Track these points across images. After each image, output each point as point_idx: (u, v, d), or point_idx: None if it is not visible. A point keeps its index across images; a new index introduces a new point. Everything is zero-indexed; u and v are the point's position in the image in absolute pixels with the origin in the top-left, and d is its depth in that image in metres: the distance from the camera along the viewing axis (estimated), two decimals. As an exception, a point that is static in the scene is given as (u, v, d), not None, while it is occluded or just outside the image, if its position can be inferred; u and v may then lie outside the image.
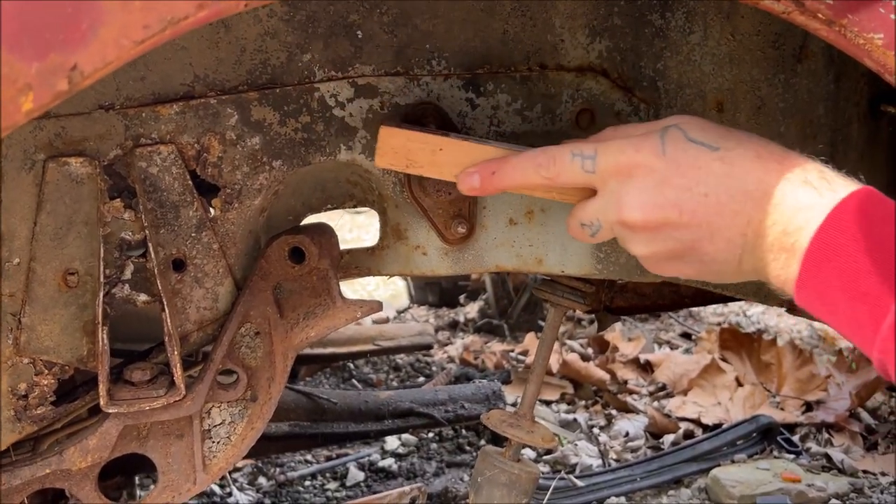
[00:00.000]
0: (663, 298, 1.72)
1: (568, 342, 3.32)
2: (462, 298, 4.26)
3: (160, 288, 1.07)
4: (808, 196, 0.86)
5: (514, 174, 1.03)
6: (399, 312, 4.13)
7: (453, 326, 4.00)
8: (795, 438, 2.49)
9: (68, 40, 0.62)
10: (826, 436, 2.51)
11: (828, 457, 2.37)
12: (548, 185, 1.02)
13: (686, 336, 3.53)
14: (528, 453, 2.36)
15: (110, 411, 1.05)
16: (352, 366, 3.19)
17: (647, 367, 3.07)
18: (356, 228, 5.36)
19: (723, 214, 0.89)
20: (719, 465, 2.30)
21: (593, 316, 1.80)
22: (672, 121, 0.97)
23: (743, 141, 0.93)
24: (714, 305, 3.50)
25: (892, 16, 0.84)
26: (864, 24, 0.84)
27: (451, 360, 3.44)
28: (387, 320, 4.15)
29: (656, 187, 0.92)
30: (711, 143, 0.92)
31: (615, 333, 3.25)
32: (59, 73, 0.63)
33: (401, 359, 3.30)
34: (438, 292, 4.29)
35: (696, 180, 0.90)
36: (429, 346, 3.01)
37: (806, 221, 0.84)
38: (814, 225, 0.83)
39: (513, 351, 3.42)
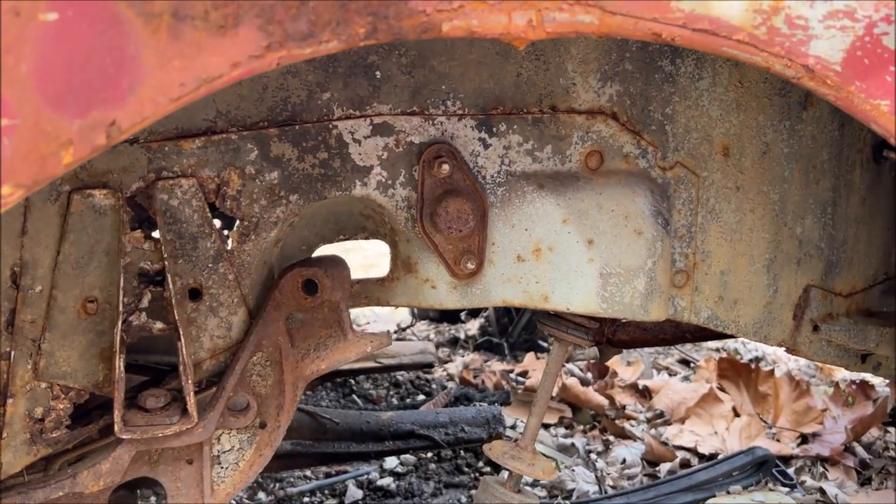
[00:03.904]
0: (664, 332, 1.74)
1: (568, 366, 3.34)
2: (463, 315, 4.29)
3: (176, 317, 1.10)
4: None
5: None
6: (401, 329, 4.15)
7: (454, 343, 4.02)
8: (791, 471, 2.51)
9: (109, 98, 0.65)
10: (821, 469, 2.53)
11: (822, 491, 2.39)
12: None
13: (685, 363, 3.55)
14: (527, 477, 2.38)
15: (124, 437, 1.08)
16: (353, 381, 3.21)
17: (645, 393, 3.09)
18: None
19: None
20: (714, 496, 2.32)
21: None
22: None
23: None
24: (713, 332, 3.50)
25: (898, 83, 0.87)
26: (872, 91, 0.87)
27: (450, 378, 3.46)
28: (387, 334, 4.16)
29: None
30: None
31: (615, 358, 3.27)
32: (99, 128, 0.65)
33: (401, 376, 3.31)
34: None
35: None
36: (430, 365, 3.04)
37: None
38: None
39: (512, 371, 3.44)
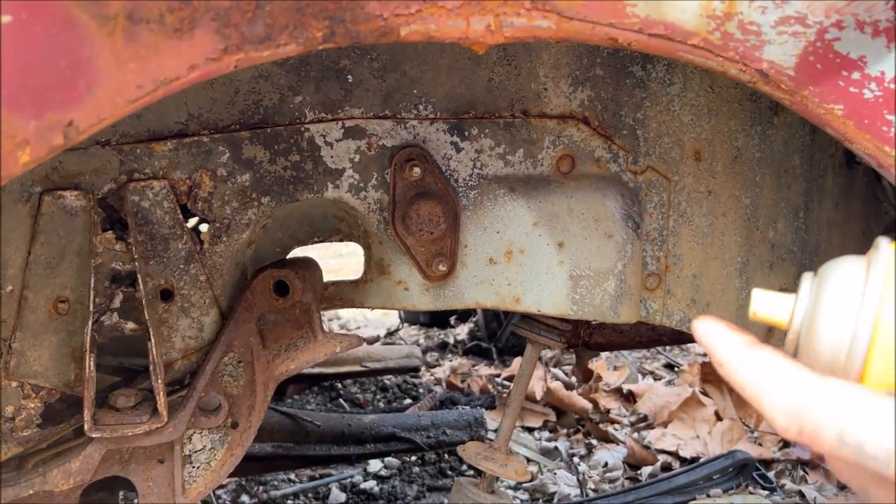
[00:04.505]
0: (640, 335, 1.76)
1: (553, 370, 3.35)
2: (452, 320, 4.30)
3: (147, 317, 1.11)
4: None
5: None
6: (390, 333, 4.16)
7: (443, 347, 4.03)
8: (771, 475, 2.52)
9: (66, 99, 0.66)
10: (801, 473, 2.54)
11: (801, 494, 2.40)
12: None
13: (670, 367, 3.56)
14: (508, 481, 2.39)
15: (94, 436, 1.08)
16: (339, 385, 3.22)
17: (629, 397, 3.10)
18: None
19: None
20: (695, 499, 2.33)
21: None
22: None
23: None
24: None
25: (852, 89, 0.88)
26: (825, 96, 0.88)
27: (438, 382, 3.47)
28: (377, 339, 4.18)
29: None
30: None
31: (600, 362, 3.29)
32: (56, 129, 0.67)
33: (388, 380, 3.33)
34: (429, 312, 4.32)
35: None
36: (416, 369, 3.05)
37: None
38: None
39: (499, 376, 3.45)
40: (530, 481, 2.46)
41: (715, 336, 0.61)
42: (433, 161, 1.23)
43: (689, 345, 3.72)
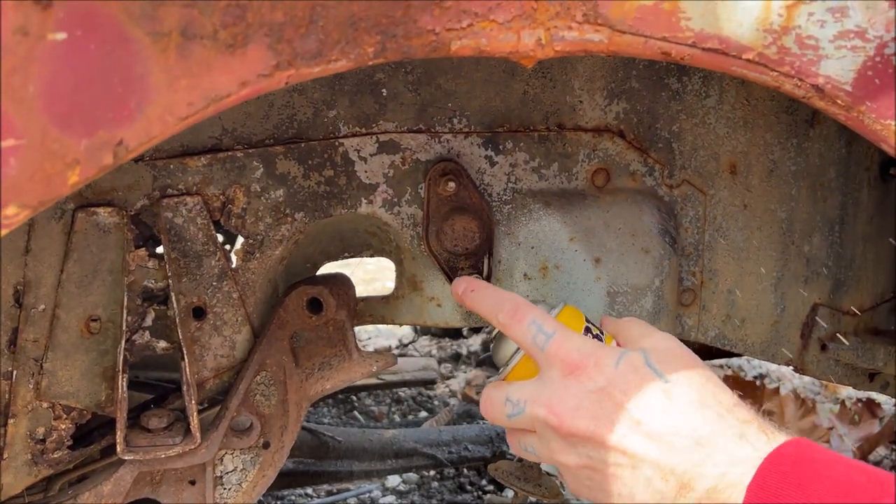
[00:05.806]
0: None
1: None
2: (465, 330, 4.27)
3: (180, 336, 1.09)
4: (742, 451, 0.80)
5: (481, 303, 1.05)
6: (403, 345, 4.13)
7: (456, 359, 4.00)
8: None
9: (116, 118, 0.64)
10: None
11: None
12: (502, 329, 1.03)
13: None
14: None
15: (127, 458, 1.06)
16: (354, 398, 3.20)
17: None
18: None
19: (649, 449, 0.84)
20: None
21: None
22: (647, 342, 0.96)
23: (694, 382, 0.89)
24: (717, 349, 3.48)
25: (909, 103, 0.86)
26: (882, 111, 0.86)
27: (453, 394, 3.44)
28: (389, 350, 4.16)
29: (596, 394, 0.88)
30: (664, 373, 0.89)
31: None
32: (106, 148, 0.65)
33: (403, 392, 3.30)
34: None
35: (636, 404, 0.86)
36: (432, 381, 3.02)
37: (739, 477, 0.78)
38: (747, 479, 0.78)
39: (515, 388, 3.42)
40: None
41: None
42: (468, 175, 1.21)
43: (719, 360, 3.69)
